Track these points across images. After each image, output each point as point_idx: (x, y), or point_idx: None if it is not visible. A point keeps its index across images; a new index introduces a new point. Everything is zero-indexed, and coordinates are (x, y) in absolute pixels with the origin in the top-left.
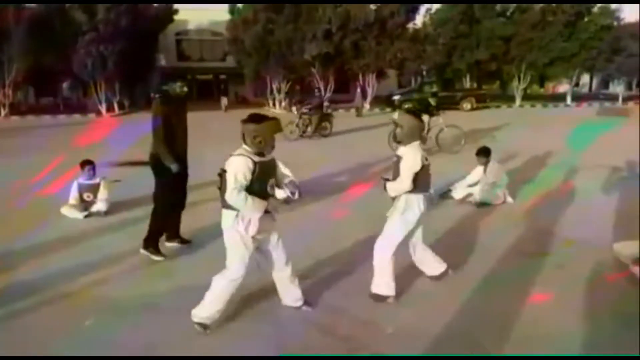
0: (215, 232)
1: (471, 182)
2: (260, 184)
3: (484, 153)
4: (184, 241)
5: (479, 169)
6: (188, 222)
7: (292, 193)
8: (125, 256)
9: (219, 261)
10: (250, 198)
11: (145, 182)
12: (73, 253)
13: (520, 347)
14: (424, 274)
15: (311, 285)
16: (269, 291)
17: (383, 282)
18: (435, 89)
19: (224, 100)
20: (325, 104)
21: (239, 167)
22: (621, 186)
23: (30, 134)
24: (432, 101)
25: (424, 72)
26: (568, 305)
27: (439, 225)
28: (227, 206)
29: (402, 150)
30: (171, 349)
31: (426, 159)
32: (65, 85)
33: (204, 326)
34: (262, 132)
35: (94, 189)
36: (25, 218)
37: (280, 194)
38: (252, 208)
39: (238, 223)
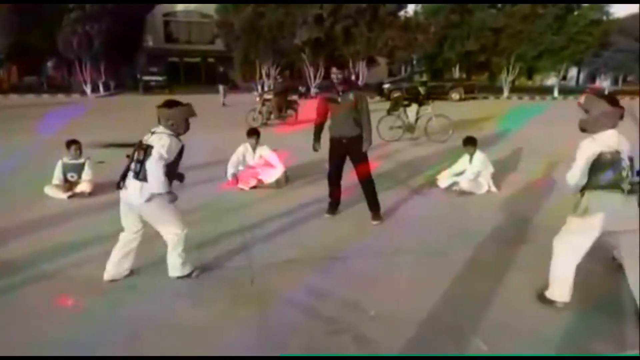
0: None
1: (457, 171)
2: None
3: (471, 142)
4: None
5: (466, 158)
6: None
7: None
8: (108, 237)
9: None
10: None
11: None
12: (55, 233)
13: (500, 333)
14: (410, 258)
15: (297, 269)
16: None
17: (558, 290)
18: (424, 78)
19: (222, 90)
20: (315, 90)
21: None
22: None
23: (9, 113)
24: (422, 90)
25: (414, 61)
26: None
27: (424, 213)
28: (138, 178)
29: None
30: (151, 329)
31: (613, 149)
32: (49, 64)
33: None
34: (174, 116)
35: (79, 169)
36: (8, 197)
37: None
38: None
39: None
